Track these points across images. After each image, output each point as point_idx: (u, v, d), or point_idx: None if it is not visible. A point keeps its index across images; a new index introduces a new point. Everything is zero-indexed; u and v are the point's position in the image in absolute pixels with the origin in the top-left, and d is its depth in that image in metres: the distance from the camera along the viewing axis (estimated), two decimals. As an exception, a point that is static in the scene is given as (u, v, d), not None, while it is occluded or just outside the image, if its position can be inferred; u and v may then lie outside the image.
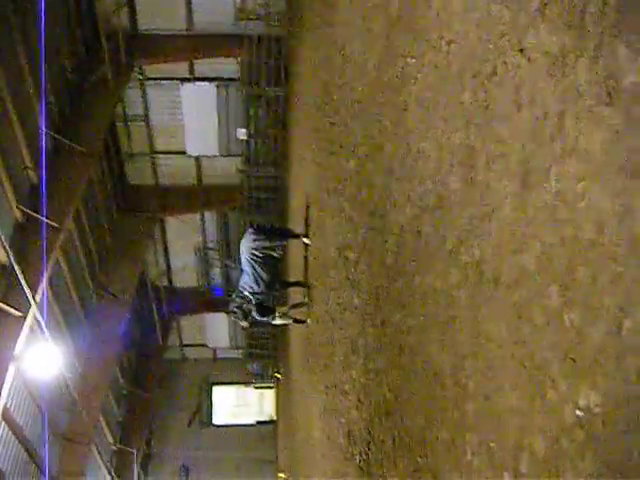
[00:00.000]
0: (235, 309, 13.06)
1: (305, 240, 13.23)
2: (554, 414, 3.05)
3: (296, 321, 13.90)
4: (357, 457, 8.05)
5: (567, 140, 3.02)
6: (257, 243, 12.41)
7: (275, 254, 12.71)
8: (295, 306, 14.09)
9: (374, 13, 7.27)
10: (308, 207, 13.59)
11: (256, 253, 12.36)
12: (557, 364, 3.04)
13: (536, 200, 3.31)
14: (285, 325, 15.02)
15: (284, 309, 14.51)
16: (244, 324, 13.71)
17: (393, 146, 6.25)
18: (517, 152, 3.54)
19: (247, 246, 12.48)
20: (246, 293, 12.62)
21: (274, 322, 13.78)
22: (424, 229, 5.22)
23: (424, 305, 5.17)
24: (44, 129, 15.73)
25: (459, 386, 4.33)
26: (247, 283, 12.55)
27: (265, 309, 13.12)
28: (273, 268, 12.78)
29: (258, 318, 13.12)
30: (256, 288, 12.46)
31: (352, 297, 8.35)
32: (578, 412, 2.84)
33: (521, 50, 3.55)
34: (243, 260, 12.56)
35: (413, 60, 5.57)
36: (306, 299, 13.22)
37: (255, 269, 12.39)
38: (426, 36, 5.23)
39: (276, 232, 14.46)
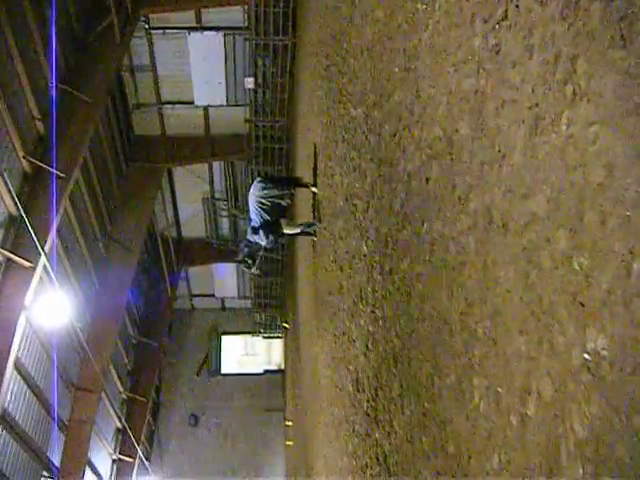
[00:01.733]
0: (244, 257, 13.06)
1: (313, 189, 13.17)
2: (562, 358, 3.07)
3: (306, 233, 13.54)
4: (364, 404, 8.14)
5: (579, 84, 3.00)
6: (265, 192, 12.37)
7: (283, 202, 12.67)
8: (305, 225, 13.62)
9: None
10: (316, 155, 13.53)
11: (264, 202, 12.32)
12: (565, 308, 3.05)
13: (546, 145, 3.29)
14: (295, 235, 14.40)
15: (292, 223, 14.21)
16: (254, 271, 13.67)
17: (402, 93, 6.21)
18: (527, 97, 3.52)
19: (255, 195, 12.45)
20: (254, 238, 12.59)
21: (284, 231, 13.29)
22: (433, 176, 5.22)
23: (432, 252, 5.19)
24: (53, 81, 15.65)
25: (467, 332, 4.35)
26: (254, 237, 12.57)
27: (271, 226, 12.79)
28: (281, 217, 12.75)
29: (265, 240, 12.79)
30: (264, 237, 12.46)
31: (360, 245, 8.37)
32: (586, 355, 2.86)
33: (533, -7, 3.51)
34: (251, 209, 12.54)
35: (424, 6, 5.51)
36: (316, 221, 12.99)
37: (263, 218, 12.37)
38: (436, -20, 5.16)
39: (284, 181, 14.37)
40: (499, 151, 3.89)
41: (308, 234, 13.48)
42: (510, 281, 3.68)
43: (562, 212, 3.13)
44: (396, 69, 6.46)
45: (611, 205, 2.73)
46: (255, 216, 12.49)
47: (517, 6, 3.71)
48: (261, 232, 12.61)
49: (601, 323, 2.79)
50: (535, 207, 3.41)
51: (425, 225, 5.44)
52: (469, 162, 4.38)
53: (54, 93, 15.30)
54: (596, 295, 2.82)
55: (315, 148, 13.89)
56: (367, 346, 7.96)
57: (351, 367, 9.12)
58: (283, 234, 13.45)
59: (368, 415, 7.85)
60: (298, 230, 13.70)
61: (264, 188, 12.45)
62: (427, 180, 5.36)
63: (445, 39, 4.97)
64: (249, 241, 12.80)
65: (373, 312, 7.59)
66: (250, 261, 13.06)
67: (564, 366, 3.05)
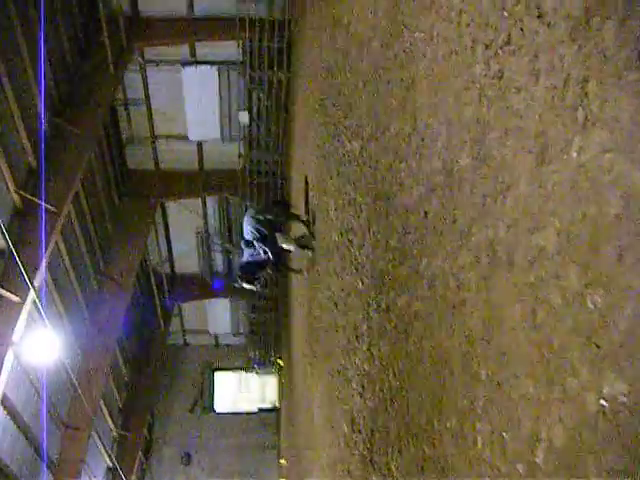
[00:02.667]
0: (240, 274, 13.01)
1: (303, 220, 13.08)
2: (575, 403, 2.85)
3: (301, 246, 13.30)
4: (360, 445, 7.88)
5: (591, 109, 2.80)
6: (259, 215, 12.46)
7: (279, 219, 12.80)
8: (301, 240, 13.48)
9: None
10: (307, 187, 13.42)
11: (260, 217, 12.48)
12: (578, 350, 2.83)
13: (555, 175, 3.10)
14: (289, 251, 14.16)
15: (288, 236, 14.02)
16: (252, 287, 13.44)
17: (399, 124, 6.04)
18: (534, 124, 3.33)
19: (249, 215, 12.52)
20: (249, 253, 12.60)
21: (280, 244, 13.15)
22: (432, 210, 5.02)
23: (432, 288, 4.98)
24: (43, 112, 15.51)
25: (469, 373, 4.13)
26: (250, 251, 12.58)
27: (267, 240, 12.74)
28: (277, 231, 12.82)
29: (262, 253, 12.77)
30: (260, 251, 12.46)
31: (356, 281, 8.16)
32: (602, 401, 2.63)
33: (539, 16, 3.33)
34: (245, 230, 12.55)
35: (422, 34, 5.35)
36: (311, 235, 12.87)
37: (259, 233, 12.37)
38: (435, 8, 5.01)
39: (278, 207, 14.14)
40: (503, 182, 3.69)
41: (304, 247, 13.26)
42: (516, 320, 3.46)
43: (574, 246, 2.92)
44: (393, 101, 6.30)
45: (629, 238, 2.52)
46: (249, 235, 12.45)
47: (522, 29, 3.53)
48: (256, 244, 12.53)
49: (619, 366, 2.56)
50: (543, 241, 3.20)
51: (424, 261, 5.24)
52: (470, 194, 4.19)
53: (42, 124, 15.09)
54: (613, 336, 2.60)
55: (306, 180, 13.76)
56: (363, 385, 7.71)
57: (346, 407, 8.85)
58: (279, 248, 13.38)
59: (364, 457, 7.59)
60: (293, 246, 13.54)
61: (258, 212, 12.51)
62: (426, 214, 5.17)
63: (444, 67, 4.80)
64: (247, 261, 12.74)
65: (369, 350, 7.35)
66: (246, 277, 12.98)
67: (578, 412, 2.82)
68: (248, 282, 13.22)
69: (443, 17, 4.83)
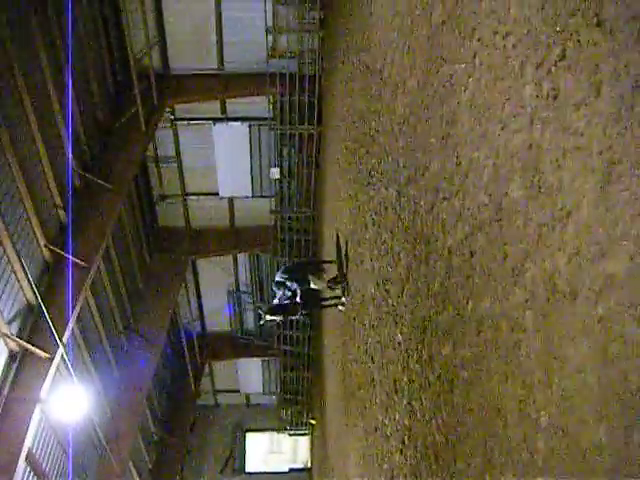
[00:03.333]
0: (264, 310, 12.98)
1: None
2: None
3: (334, 284, 13.13)
4: (401, 506, 7.45)
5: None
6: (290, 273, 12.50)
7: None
8: (334, 281, 13.28)
9: (415, 24, 6.83)
10: (338, 242, 13.20)
11: (291, 267, 12.44)
12: (661, 387, 2.49)
13: (625, 193, 2.78)
14: (320, 291, 13.91)
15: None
16: (275, 318, 13.16)
17: (439, 163, 5.77)
18: (597, 140, 3.03)
19: (280, 272, 12.49)
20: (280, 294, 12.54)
21: (312, 285, 13.15)
22: (478, 248, 4.71)
23: (480, 333, 4.63)
24: (70, 163, 15.46)
25: (527, 422, 3.77)
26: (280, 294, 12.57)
27: (300, 279, 12.85)
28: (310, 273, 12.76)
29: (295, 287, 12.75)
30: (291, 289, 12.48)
31: (394, 332, 7.81)
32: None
33: (598, 24, 3.06)
34: (278, 276, 12.62)
35: (462, 65, 5.11)
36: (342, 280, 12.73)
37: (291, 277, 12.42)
38: (477, 35, 4.76)
39: (308, 266, 13.93)
40: (561, 209, 3.38)
41: (336, 291, 13.15)
42: (582, 359, 3.11)
43: (651, 270, 2.60)
44: (432, 139, 6.03)
45: None
46: (281, 278, 12.47)
47: (578, 41, 3.26)
48: (288, 283, 12.45)
49: None
50: (613, 268, 2.88)
51: (470, 304, 4.90)
52: (523, 226, 3.87)
53: (69, 178, 15.00)
54: None
55: (337, 235, 13.50)
56: (403, 442, 7.31)
57: (385, 466, 8.43)
58: (312, 290, 13.30)
59: (404, 519, 7.16)
60: (325, 285, 13.45)
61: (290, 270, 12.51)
62: (472, 254, 4.85)
63: (489, 96, 4.52)
64: (277, 304, 12.63)
65: (410, 404, 6.97)
66: (269, 309, 12.90)
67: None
68: (272, 314, 12.96)
69: (486, 43, 4.58)
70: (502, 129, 4.22)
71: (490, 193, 4.45)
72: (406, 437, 7.20)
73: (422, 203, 6.43)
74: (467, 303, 4.96)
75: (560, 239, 3.38)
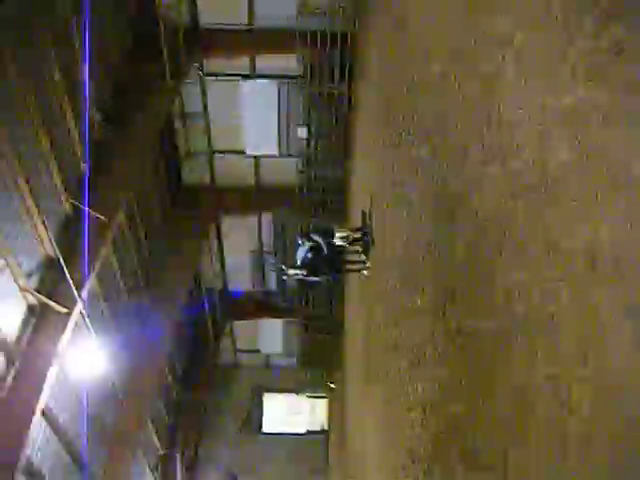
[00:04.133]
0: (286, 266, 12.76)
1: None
2: None
3: (359, 240, 12.96)
4: (420, 477, 7.20)
5: None
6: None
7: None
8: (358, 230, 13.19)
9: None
10: (368, 215, 12.81)
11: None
12: None
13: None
14: (342, 249, 13.61)
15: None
16: (297, 272, 12.80)
17: (476, 123, 5.40)
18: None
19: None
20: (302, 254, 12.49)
21: (338, 234, 12.87)
22: (515, 217, 4.36)
23: (509, 305, 4.31)
24: (90, 117, 15.15)
25: (559, 402, 3.46)
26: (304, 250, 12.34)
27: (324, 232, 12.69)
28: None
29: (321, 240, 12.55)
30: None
31: (419, 299, 7.50)
32: None
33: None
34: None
35: (509, 17, 4.72)
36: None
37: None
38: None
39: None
40: (615, 177, 3.03)
41: (361, 240, 12.89)
42: (626, 338, 2.78)
43: None
44: (469, 98, 5.67)
45: None
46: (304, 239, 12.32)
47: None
48: (313, 235, 12.19)
49: None
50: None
51: (500, 274, 4.57)
52: (569, 194, 3.53)
53: (86, 129, 14.63)
54: None
55: (371, 199, 13.12)
56: (425, 413, 7.03)
57: (405, 435, 8.18)
58: (335, 238, 12.96)
59: (423, 491, 6.91)
60: (350, 234, 13.20)
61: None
62: (508, 221, 4.51)
63: (537, 50, 4.15)
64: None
65: (433, 375, 6.69)
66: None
67: None
68: (294, 268, 12.66)
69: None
70: (550, 87, 3.85)
71: (533, 155, 4.09)
72: (428, 407, 6.93)
73: (454, 165, 6.08)
74: (496, 273, 4.64)
75: (607, 211, 3.03)
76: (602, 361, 3.01)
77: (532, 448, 3.79)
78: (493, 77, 5.00)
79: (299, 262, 12.60)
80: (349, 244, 13.03)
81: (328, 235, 12.56)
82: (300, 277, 12.85)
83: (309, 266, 12.44)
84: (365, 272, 12.50)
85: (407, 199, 8.52)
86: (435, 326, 6.60)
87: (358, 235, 12.94)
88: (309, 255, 12.43)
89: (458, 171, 5.93)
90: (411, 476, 7.66)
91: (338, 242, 12.74)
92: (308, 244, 12.44)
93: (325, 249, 12.40)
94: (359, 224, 13.61)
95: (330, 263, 12.70)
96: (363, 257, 12.57)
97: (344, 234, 12.96)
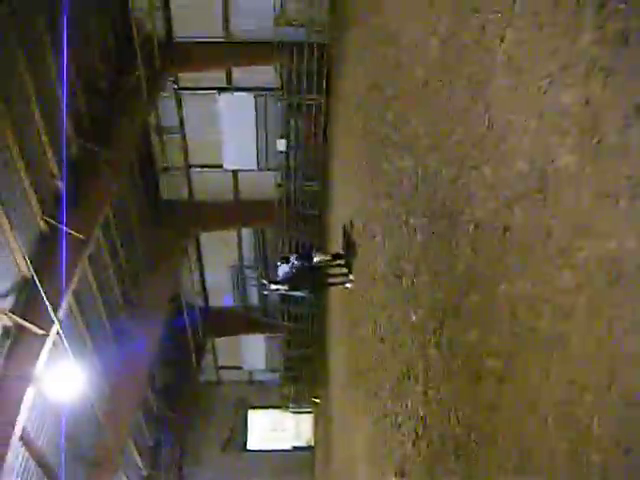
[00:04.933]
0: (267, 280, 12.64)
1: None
2: None
3: (336, 256, 13.00)
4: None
5: None
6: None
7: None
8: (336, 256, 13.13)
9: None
10: (347, 231, 12.66)
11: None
12: None
13: None
14: (323, 265, 13.45)
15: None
16: (279, 287, 12.60)
17: (466, 128, 5.16)
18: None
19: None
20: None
21: (316, 259, 12.95)
22: (514, 223, 4.11)
23: (514, 320, 4.05)
24: (64, 130, 14.80)
25: (576, 429, 3.19)
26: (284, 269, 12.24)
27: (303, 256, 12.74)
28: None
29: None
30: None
31: (408, 315, 7.23)
32: None
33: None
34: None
35: (498, 14, 4.48)
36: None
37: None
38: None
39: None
40: (629, 177, 2.78)
41: (340, 266, 12.74)
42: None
43: None
44: (458, 103, 5.42)
45: None
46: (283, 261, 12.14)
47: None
48: (292, 257, 12.14)
49: None
50: None
51: (502, 286, 4.31)
52: (576, 199, 3.28)
53: (64, 148, 14.32)
54: None
55: (351, 214, 12.87)
56: (417, 432, 6.75)
57: (395, 455, 7.89)
58: (313, 262, 12.92)
59: (418, 516, 6.62)
60: (329, 257, 13.24)
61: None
62: (505, 230, 4.26)
63: (532, 46, 3.91)
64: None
65: (425, 393, 6.41)
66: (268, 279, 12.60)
67: None
68: (275, 283, 12.48)
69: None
70: (550, 83, 3.61)
71: (532, 161, 3.84)
72: (420, 428, 6.65)
73: (444, 173, 5.84)
74: (498, 285, 4.38)
75: (626, 213, 2.78)
76: (627, 385, 2.76)
77: (549, 475, 3.52)
78: (483, 78, 4.77)
79: (280, 277, 12.43)
80: (331, 259, 12.94)
81: (307, 259, 12.55)
82: (282, 292, 12.69)
83: (291, 281, 12.26)
84: (349, 285, 12.27)
85: (392, 212, 8.26)
86: (427, 342, 6.33)
87: (340, 254, 12.89)
88: (291, 271, 12.28)
89: (446, 180, 5.68)
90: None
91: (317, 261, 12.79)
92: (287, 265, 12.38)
93: (303, 270, 12.36)
94: (340, 239, 13.46)
95: (312, 278, 12.56)
96: (345, 270, 12.40)
97: (323, 257, 13.00)
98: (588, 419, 3.09)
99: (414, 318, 6.95)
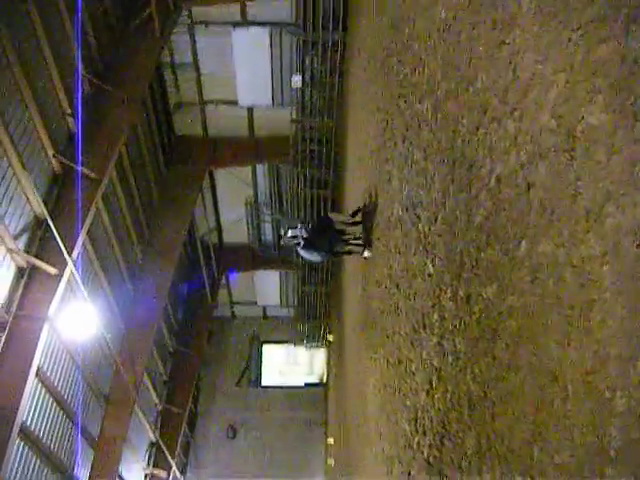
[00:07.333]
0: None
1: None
2: None
3: (353, 223, 12.68)
4: (425, 450, 6.87)
5: None
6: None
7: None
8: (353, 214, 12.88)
9: None
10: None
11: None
12: None
13: None
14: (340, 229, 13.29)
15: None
16: (297, 234, 12.37)
17: (489, 77, 4.94)
18: None
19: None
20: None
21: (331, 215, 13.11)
22: (538, 181, 3.94)
23: (537, 281, 3.90)
24: (80, 72, 14.58)
25: (596, 399, 3.07)
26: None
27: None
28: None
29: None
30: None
31: (424, 263, 7.09)
32: None
33: None
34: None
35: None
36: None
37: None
38: None
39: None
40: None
41: (356, 223, 12.57)
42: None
43: None
44: (481, 48, 5.20)
45: None
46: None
47: None
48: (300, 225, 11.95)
49: None
50: None
51: (523, 245, 4.16)
52: (606, 160, 3.10)
53: (79, 85, 14.11)
54: None
55: (369, 152, 12.63)
56: (431, 383, 6.67)
57: (408, 403, 7.83)
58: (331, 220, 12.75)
59: (431, 465, 6.57)
60: (346, 218, 13.00)
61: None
62: (529, 186, 4.08)
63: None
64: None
65: (440, 344, 6.31)
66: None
67: None
68: (293, 229, 12.24)
69: None
70: (581, 36, 3.40)
71: (559, 115, 3.65)
72: (434, 378, 6.57)
73: (464, 122, 5.63)
74: (519, 244, 4.23)
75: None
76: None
77: (565, 442, 3.41)
78: (509, 23, 4.54)
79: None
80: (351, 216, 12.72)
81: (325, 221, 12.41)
82: (297, 247, 12.40)
83: (307, 241, 11.98)
84: (367, 254, 11.97)
85: (410, 156, 8.07)
86: (443, 292, 6.21)
87: (358, 209, 12.64)
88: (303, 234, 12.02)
89: (467, 129, 5.49)
90: (416, 449, 7.35)
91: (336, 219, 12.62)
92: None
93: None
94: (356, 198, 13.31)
95: (329, 241, 12.30)
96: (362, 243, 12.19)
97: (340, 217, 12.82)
98: (610, 392, 2.96)
99: (431, 268, 6.82)
